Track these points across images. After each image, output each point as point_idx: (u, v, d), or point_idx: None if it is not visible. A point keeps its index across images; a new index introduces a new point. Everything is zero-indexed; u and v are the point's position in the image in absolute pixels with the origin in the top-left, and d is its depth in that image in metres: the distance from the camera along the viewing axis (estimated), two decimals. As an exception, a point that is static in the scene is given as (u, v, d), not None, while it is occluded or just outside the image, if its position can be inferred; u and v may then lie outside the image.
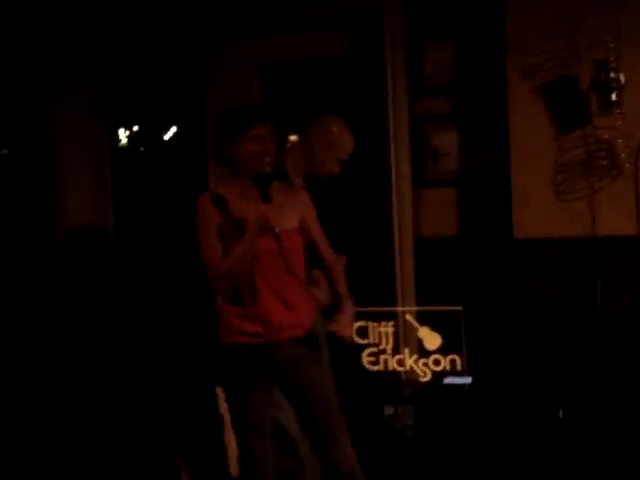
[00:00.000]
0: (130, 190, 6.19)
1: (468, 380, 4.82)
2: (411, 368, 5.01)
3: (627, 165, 4.61)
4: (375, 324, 5.03)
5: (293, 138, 6.19)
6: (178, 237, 5.98)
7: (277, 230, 3.50)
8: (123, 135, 6.47)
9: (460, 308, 4.81)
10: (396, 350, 5.03)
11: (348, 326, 3.86)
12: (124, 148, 6.45)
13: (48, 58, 5.75)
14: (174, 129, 6.39)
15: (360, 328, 4.99)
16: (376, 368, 5.04)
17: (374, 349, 5.04)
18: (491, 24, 4.90)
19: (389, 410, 5.01)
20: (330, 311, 3.85)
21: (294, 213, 3.66)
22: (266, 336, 3.56)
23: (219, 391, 4.32)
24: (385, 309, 5.09)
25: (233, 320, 3.60)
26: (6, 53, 5.71)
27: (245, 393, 3.61)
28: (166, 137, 6.40)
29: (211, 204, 3.57)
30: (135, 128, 6.50)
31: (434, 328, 4.95)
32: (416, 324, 4.99)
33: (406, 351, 5.03)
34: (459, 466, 4.56)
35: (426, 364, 4.95)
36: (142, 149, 6.56)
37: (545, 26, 4.69)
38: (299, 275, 3.65)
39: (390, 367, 5.03)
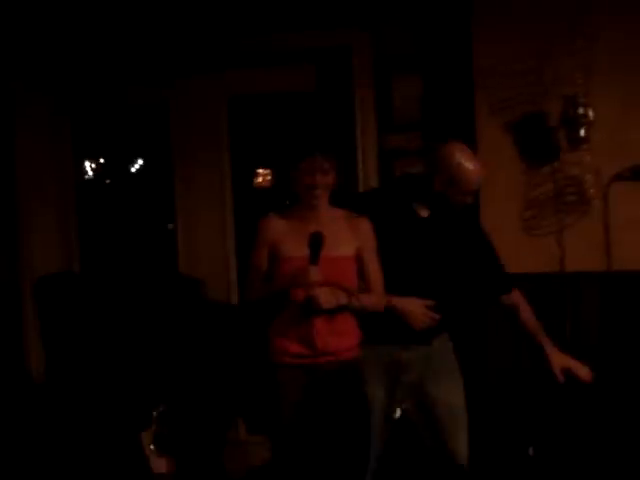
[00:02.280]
0: (96, 222, 6.13)
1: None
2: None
3: (596, 201, 4.62)
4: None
5: (261, 171, 6.20)
6: (145, 269, 5.95)
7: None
8: (89, 167, 6.41)
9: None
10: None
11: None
12: (90, 180, 6.38)
13: (15, 88, 5.69)
14: (141, 161, 6.34)
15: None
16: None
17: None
18: (459, 60, 4.90)
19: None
20: None
21: (350, 241, 3.71)
22: (310, 358, 3.62)
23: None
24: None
25: (279, 340, 3.68)
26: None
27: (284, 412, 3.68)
28: (133, 169, 6.35)
29: (268, 225, 3.75)
30: (101, 160, 6.45)
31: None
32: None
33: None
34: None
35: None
36: (108, 181, 6.50)
37: (514, 62, 4.71)
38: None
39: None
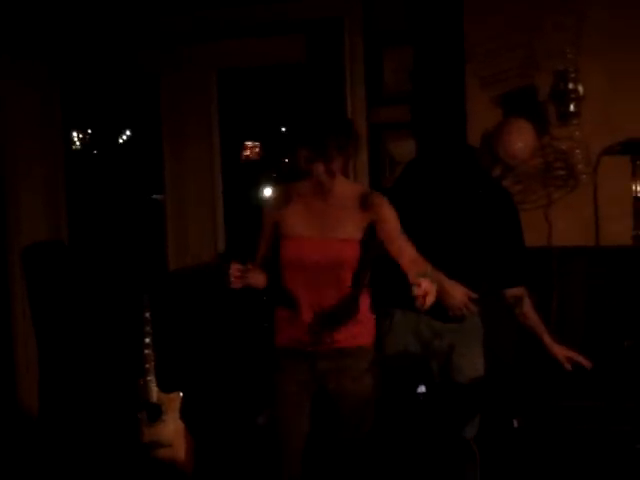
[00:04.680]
0: (84, 193, 6.11)
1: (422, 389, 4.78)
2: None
3: (584, 176, 4.62)
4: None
5: (249, 144, 6.20)
6: (132, 240, 5.94)
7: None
8: (77, 138, 6.39)
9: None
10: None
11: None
12: (78, 151, 6.37)
13: (3, 56, 5.65)
14: (129, 132, 6.33)
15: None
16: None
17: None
18: (450, 33, 4.89)
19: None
20: None
21: (358, 222, 3.56)
22: (304, 344, 3.58)
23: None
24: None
25: (280, 323, 3.67)
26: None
27: (283, 395, 3.66)
28: (121, 140, 6.33)
29: (275, 201, 3.66)
30: (89, 131, 6.43)
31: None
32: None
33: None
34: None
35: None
36: (96, 152, 6.49)
37: (505, 36, 4.70)
38: (346, 287, 3.57)
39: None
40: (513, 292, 4.06)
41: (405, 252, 3.62)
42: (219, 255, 5.61)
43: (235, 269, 3.48)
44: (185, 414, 4.42)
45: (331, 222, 3.52)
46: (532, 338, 4.12)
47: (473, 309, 3.86)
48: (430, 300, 3.36)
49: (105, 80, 6.03)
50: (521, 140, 3.82)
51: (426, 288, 3.34)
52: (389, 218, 3.60)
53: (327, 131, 3.50)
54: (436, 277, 3.68)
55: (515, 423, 4.40)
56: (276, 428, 3.73)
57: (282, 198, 3.64)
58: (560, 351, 4.05)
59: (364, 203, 3.57)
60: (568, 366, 4.01)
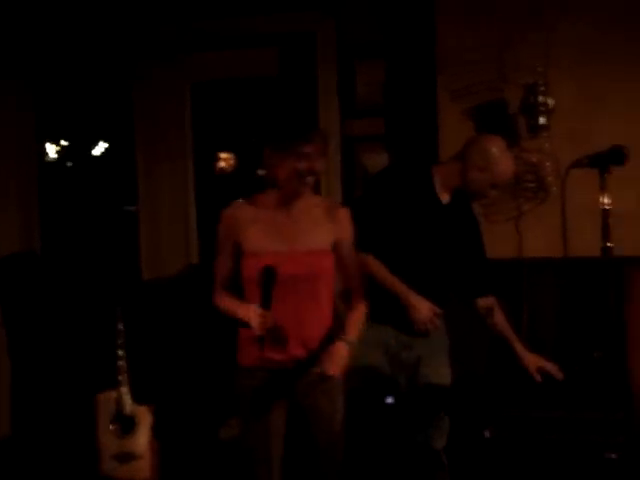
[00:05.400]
0: (57, 205, 6.11)
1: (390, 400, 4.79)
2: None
3: (554, 188, 4.67)
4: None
5: (224, 155, 6.20)
6: (105, 251, 5.94)
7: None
8: (51, 149, 6.39)
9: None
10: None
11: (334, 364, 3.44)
12: (52, 162, 6.36)
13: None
14: (103, 144, 6.33)
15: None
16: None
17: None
18: (422, 46, 4.95)
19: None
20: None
21: (328, 231, 3.41)
22: (278, 363, 3.40)
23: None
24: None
25: (246, 342, 3.41)
26: None
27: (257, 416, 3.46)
28: (95, 152, 6.33)
29: (232, 216, 3.41)
30: (63, 142, 6.43)
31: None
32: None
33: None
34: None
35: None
36: (70, 164, 6.48)
37: (475, 50, 4.75)
38: (322, 299, 3.44)
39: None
40: (484, 302, 4.09)
41: (348, 276, 3.54)
42: (191, 265, 5.61)
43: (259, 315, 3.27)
44: (156, 427, 4.42)
45: (299, 234, 3.37)
46: (503, 348, 4.14)
47: (437, 324, 3.87)
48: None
49: (79, 92, 6.02)
50: (511, 161, 3.91)
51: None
52: (349, 235, 3.49)
53: (316, 127, 3.47)
54: (404, 291, 3.78)
55: (486, 433, 4.43)
56: (249, 453, 3.54)
57: (239, 214, 3.41)
58: (532, 361, 4.06)
59: (331, 215, 3.45)
60: (538, 377, 4.04)
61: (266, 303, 3.21)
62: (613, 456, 4.01)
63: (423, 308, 3.82)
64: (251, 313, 3.24)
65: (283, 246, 3.36)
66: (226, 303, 3.45)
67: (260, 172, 6.31)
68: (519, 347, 4.08)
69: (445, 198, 3.97)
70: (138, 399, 4.39)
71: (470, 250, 4.04)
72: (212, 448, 4.90)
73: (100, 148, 6.40)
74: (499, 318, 4.08)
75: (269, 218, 3.39)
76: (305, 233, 3.38)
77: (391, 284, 3.84)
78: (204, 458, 4.87)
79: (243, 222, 3.39)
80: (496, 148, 3.86)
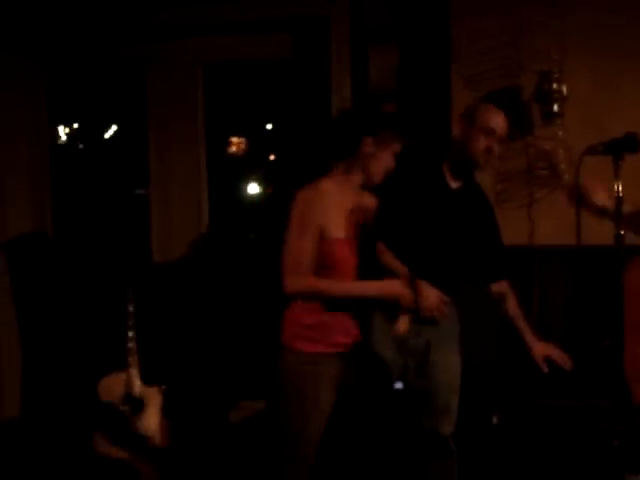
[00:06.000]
0: (69, 187, 6.12)
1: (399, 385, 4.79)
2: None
3: (567, 176, 4.66)
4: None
5: (235, 139, 6.21)
6: (116, 234, 5.95)
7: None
8: (63, 132, 6.39)
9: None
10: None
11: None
12: (64, 145, 6.37)
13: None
14: (115, 127, 6.34)
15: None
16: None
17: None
18: (436, 32, 4.93)
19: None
20: None
21: (345, 221, 3.53)
22: (345, 346, 3.59)
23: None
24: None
25: (320, 329, 3.56)
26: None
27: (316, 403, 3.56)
28: (107, 135, 6.34)
29: (318, 202, 3.45)
30: (75, 125, 6.43)
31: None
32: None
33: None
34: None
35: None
36: (82, 147, 6.49)
37: (490, 36, 4.73)
38: None
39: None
40: (497, 288, 4.09)
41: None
42: (201, 235, 5.60)
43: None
44: (167, 408, 4.43)
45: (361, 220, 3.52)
46: (513, 335, 4.14)
47: (445, 312, 3.87)
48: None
49: (92, 75, 6.03)
50: (496, 109, 3.96)
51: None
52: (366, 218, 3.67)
53: None
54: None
55: (494, 420, 4.43)
56: (301, 434, 3.58)
57: (325, 199, 3.48)
58: (540, 350, 4.05)
59: (354, 203, 3.58)
60: (545, 368, 4.03)
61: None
62: (621, 444, 4.02)
63: (431, 295, 3.82)
64: (400, 288, 3.57)
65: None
66: (337, 285, 3.51)
67: (272, 157, 6.35)
68: (528, 335, 4.07)
69: (455, 184, 3.98)
70: (148, 380, 4.40)
71: (483, 235, 4.04)
72: (223, 431, 4.91)
73: (112, 131, 6.40)
74: (511, 304, 4.08)
75: (348, 204, 3.52)
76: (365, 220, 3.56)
77: (402, 270, 3.85)
78: (214, 440, 4.88)
79: (328, 207, 3.46)
80: (478, 102, 4.01)
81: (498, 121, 3.92)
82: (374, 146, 3.48)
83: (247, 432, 4.35)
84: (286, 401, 3.59)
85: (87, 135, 6.43)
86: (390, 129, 3.54)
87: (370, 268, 3.64)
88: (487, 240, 4.06)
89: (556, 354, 4.04)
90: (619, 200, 3.50)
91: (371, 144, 3.47)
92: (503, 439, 4.35)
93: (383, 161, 3.52)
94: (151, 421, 4.34)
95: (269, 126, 6.22)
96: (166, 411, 4.42)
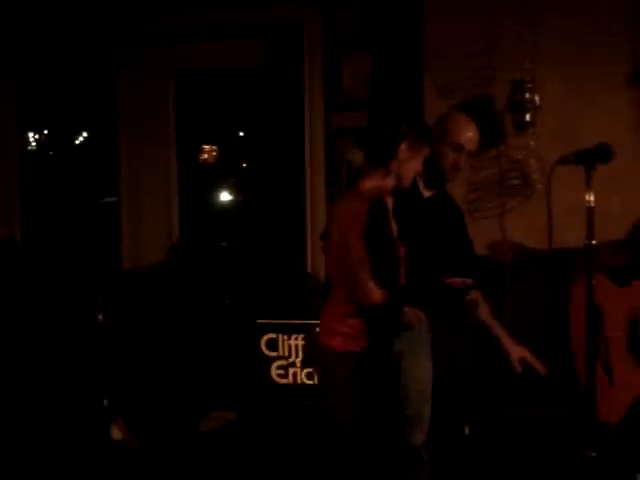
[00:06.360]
0: (39, 194, 6.06)
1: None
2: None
3: (539, 185, 4.67)
4: (285, 337, 4.98)
5: (207, 147, 6.18)
6: (85, 241, 5.90)
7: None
8: (33, 138, 6.34)
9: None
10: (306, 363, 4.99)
11: None
12: (33, 151, 6.32)
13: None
14: (85, 134, 6.29)
15: (270, 341, 4.94)
16: (285, 381, 4.99)
17: (284, 362, 5.00)
18: (409, 40, 4.93)
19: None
20: None
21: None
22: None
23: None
24: (296, 322, 5.05)
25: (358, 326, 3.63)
26: None
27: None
28: (77, 141, 6.29)
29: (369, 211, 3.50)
30: (45, 131, 6.38)
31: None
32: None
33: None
34: None
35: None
36: (52, 153, 6.44)
37: (463, 45, 4.74)
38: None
39: (299, 380, 4.99)
40: (470, 295, 4.08)
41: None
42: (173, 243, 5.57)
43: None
44: (131, 418, 4.40)
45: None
46: (485, 344, 4.13)
47: (421, 317, 3.86)
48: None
49: (62, 81, 5.98)
50: (472, 128, 3.96)
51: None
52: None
53: None
54: None
55: (466, 430, 4.43)
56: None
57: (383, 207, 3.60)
58: (516, 352, 4.06)
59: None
60: (519, 369, 4.03)
61: None
62: (593, 454, 4.02)
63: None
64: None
65: None
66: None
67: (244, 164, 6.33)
68: (505, 338, 4.07)
69: (427, 192, 3.98)
70: (118, 389, 4.38)
71: (455, 243, 4.03)
72: (191, 440, 4.88)
73: (82, 137, 6.36)
74: (484, 311, 4.08)
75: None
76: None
77: None
78: (185, 450, 4.85)
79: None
80: (450, 112, 4.04)
81: (467, 136, 3.94)
82: (408, 151, 3.56)
83: (216, 442, 4.32)
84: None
85: (57, 141, 6.37)
86: (421, 134, 3.61)
87: None
88: (459, 248, 4.05)
89: (531, 358, 4.05)
90: (590, 210, 3.50)
91: (406, 150, 3.56)
92: (475, 449, 4.35)
93: (414, 165, 3.60)
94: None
95: (241, 134, 6.19)
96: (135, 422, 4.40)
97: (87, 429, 4.62)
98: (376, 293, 3.51)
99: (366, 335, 3.60)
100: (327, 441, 3.81)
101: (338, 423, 3.67)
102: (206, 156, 6.17)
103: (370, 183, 3.61)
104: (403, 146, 3.56)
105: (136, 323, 5.20)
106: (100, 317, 4.40)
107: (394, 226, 3.66)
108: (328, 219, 3.83)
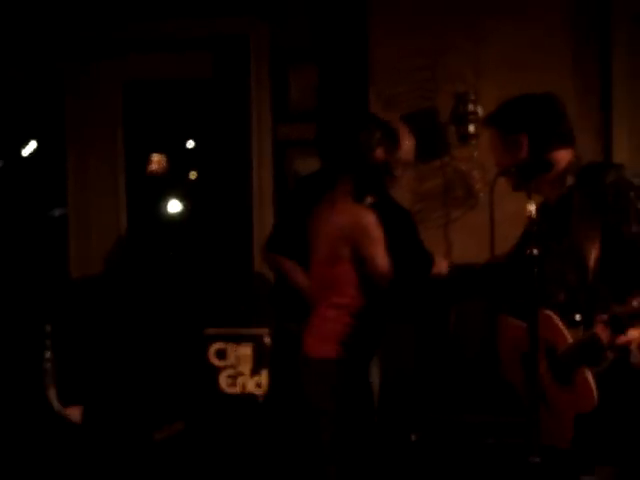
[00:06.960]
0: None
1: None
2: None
3: (482, 195, 4.74)
4: (234, 346, 5.00)
5: (155, 157, 6.17)
6: (34, 253, 5.86)
7: None
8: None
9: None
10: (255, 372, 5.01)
11: None
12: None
13: None
14: (34, 144, 6.24)
15: (219, 350, 4.95)
16: (233, 390, 5.01)
17: (232, 371, 5.01)
18: (355, 52, 4.98)
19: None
20: None
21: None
22: None
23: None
24: (244, 331, 5.07)
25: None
26: None
27: None
28: (25, 152, 6.25)
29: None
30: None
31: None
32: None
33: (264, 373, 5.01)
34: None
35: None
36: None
37: (407, 58, 4.80)
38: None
39: (248, 389, 5.00)
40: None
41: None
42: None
43: None
44: (86, 427, 4.38)
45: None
46: (431, 351, 4.17)
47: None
48: None
49: (9, 92, 5.94)
50: (409, 137, 4.11)
51: None
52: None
53: None
54: None
55: (412, 437, 4.47)
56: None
57: None
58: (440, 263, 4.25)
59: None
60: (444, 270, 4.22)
61: None
62: (537, 460, 4.09)
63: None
64: None
65: None
66: None
67: (192, 175, 6.33)
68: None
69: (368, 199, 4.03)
70: (66, 400, 4.35)
71: (403, 243, 4.08)
72: (146, 450, 4.87)
73: (30, 148, 6.31)
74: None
75: None
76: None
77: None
78: (138, 460, 4.84)
79: None
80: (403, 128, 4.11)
81: (405, 145, 4.04)
82: (383, 157, 3.66)
83: (170, 449, 4.32)
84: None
85: (4, 153, 6.32)
86: (393, 140, 3.74)
87: None
88: (407, 248, 4.10)
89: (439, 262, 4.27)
90: (532, 221, 3.55)
91: (381, 155, 3.66)
92: (421, 456, 4.40)
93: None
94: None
95: (190, 144, 6.19)
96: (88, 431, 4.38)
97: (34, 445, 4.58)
98: None
99: (350, 344, 3.65)
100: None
101: (322, 424, 3.71)
102: (155, 167, 6.15)
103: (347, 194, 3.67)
104: (379, 151, 3.63)
105: (85, 333, 5.18)
106: (48, 328, 4.37)
107: None
108: (312, 235, 3.81)
